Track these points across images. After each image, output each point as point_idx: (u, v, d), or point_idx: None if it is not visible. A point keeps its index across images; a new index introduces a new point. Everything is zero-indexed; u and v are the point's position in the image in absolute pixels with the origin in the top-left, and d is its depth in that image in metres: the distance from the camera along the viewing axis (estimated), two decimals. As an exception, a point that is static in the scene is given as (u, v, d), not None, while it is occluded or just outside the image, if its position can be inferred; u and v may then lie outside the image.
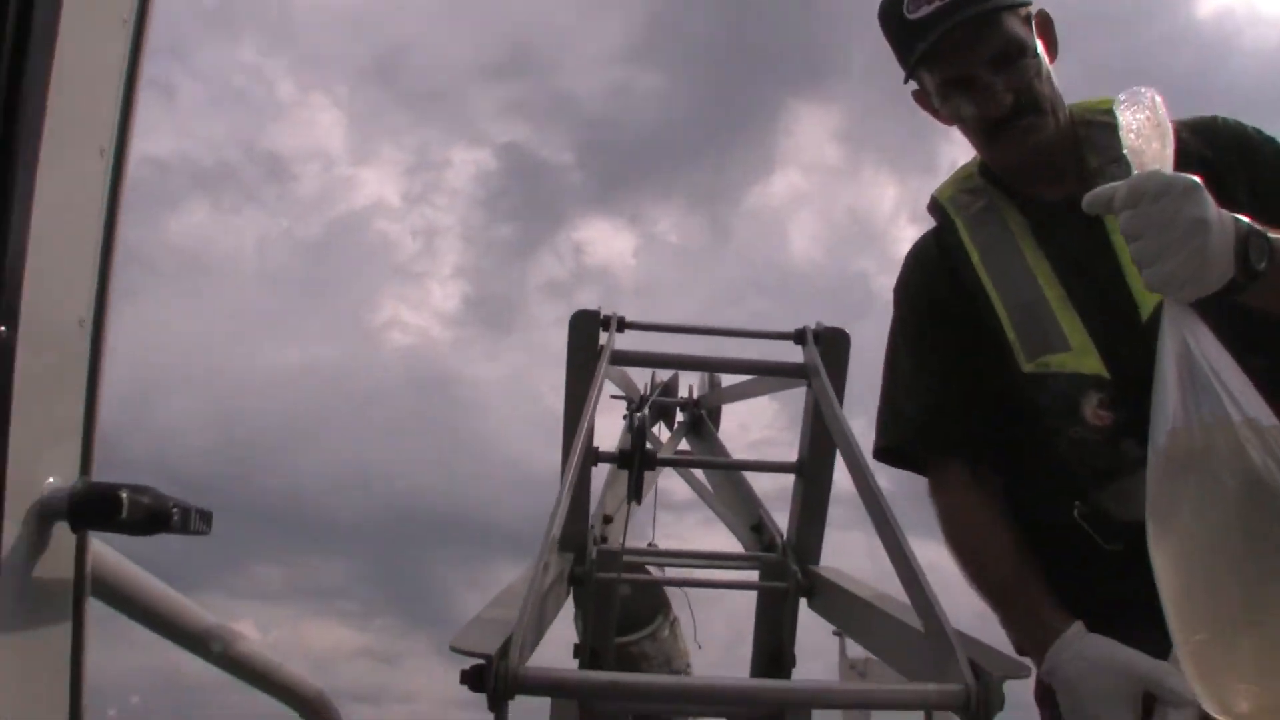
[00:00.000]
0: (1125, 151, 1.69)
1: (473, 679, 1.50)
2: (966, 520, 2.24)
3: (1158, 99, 1.69)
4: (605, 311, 2.80)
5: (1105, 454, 2.09)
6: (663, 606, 3.74)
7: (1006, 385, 2.19)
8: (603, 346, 2.72)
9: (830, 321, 2.76)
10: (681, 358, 3.22)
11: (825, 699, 2.13)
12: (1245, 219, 1.63)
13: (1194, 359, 1.55)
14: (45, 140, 1.24)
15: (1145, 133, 1.68)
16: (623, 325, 2.82)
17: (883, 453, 2.37)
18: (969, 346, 2.27)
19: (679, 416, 4.78)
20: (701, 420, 4.60)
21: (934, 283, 2.37)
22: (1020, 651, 2.08)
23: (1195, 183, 1.60)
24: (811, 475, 2.90)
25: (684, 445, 4.51)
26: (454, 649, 1.53)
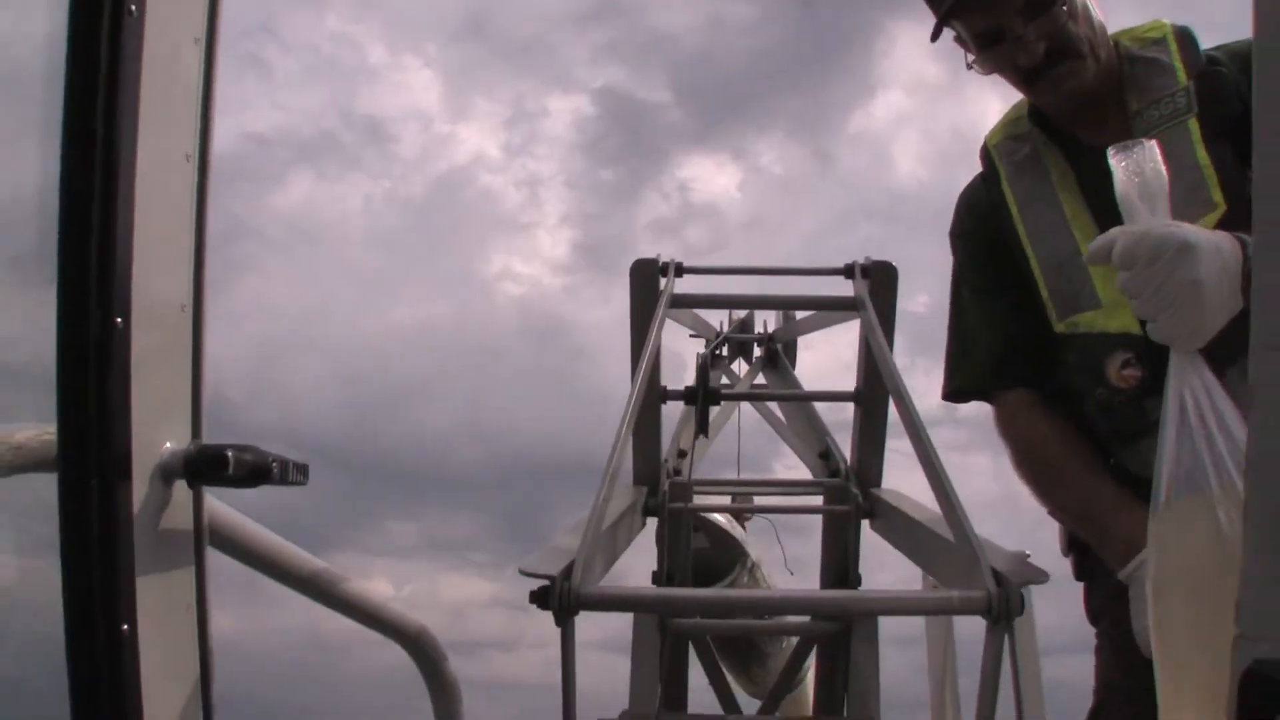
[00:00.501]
0: (1119, 202, 1.70)
1: (539, 598, 1.68)
2: (1043, 441, 2.31)
3: (1155, 149, 1.69)
4: (664, 259, 2.95)
5: (1129, 414, 2.14)
6: (740, 556, 3.91)
7: (1046, 342, 2.27)
8: (661, 291, 2.87)
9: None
10: (734, 298, 3.37)
11: (858, 605, 2.31)
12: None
13: (1188, 424, 1.58)
14: (140, 153, 1.43)
15: (1139, 186, 1.68)
16: (680, 270, 2.97)
17: (953, 395, 2.50)
18: (1026, 288, 2.32)
19: (756, 352, 4.90)
20: (776, 355, 4.72)
21: (987, 228, 2.41)
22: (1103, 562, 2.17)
23: (1188, 242, 1.60)
24: (868, 403, 3.03)
25: (760, 379, 4.64)
26: (522, 572, 1.71)
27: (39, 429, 1.40)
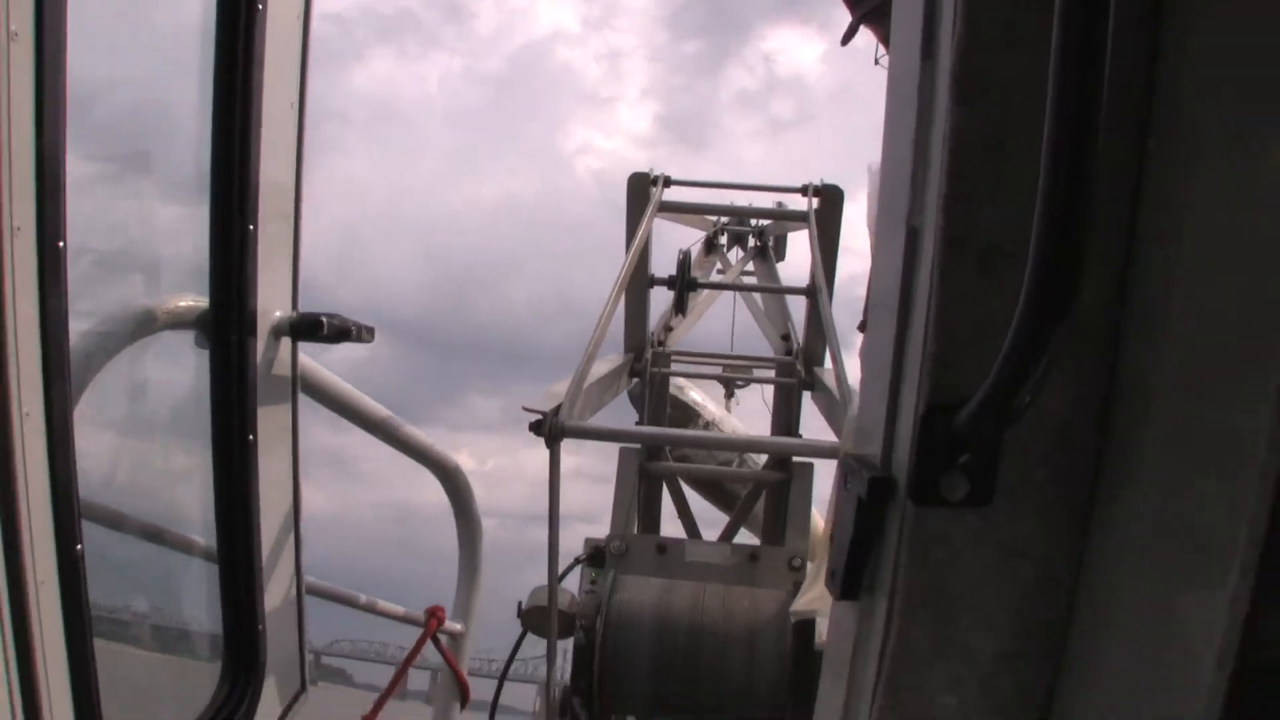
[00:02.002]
0: None
1: (536, 427, 2.28)
2: None
3: None
4: (655, 172, 3.51)
5: None
6: (694, 418, 4.51)
7: None
8: (651, 199, 3.44)
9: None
10: (705, 206, 3.95)
11: (779, 447, 2.91)
12: None
13: None
14: (264, 106, 1.98)
15: None
16: (668, 182, 3.53)
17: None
18: None
19: (751, 243, 5.47)
20: (765, 249, 5.27)
21: None
22: None
23: None
24: (815, 298, 3.61)
25: (750, 268, 5.21)
26: (524, 408, 2.31)
27: (191, 299, 1.98)
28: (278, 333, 2.08)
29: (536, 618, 2.97)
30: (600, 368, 2.94)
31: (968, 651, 0.98)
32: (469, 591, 3.77)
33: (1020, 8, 0.85)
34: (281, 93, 2.08)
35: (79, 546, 1.39)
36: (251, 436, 2.00)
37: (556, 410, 2.31)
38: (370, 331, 2.23)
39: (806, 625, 2.72)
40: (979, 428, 0.85)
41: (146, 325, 1.85)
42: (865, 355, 1.05)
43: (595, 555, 3.21)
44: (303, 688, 2.38)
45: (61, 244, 1.30)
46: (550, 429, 2.29)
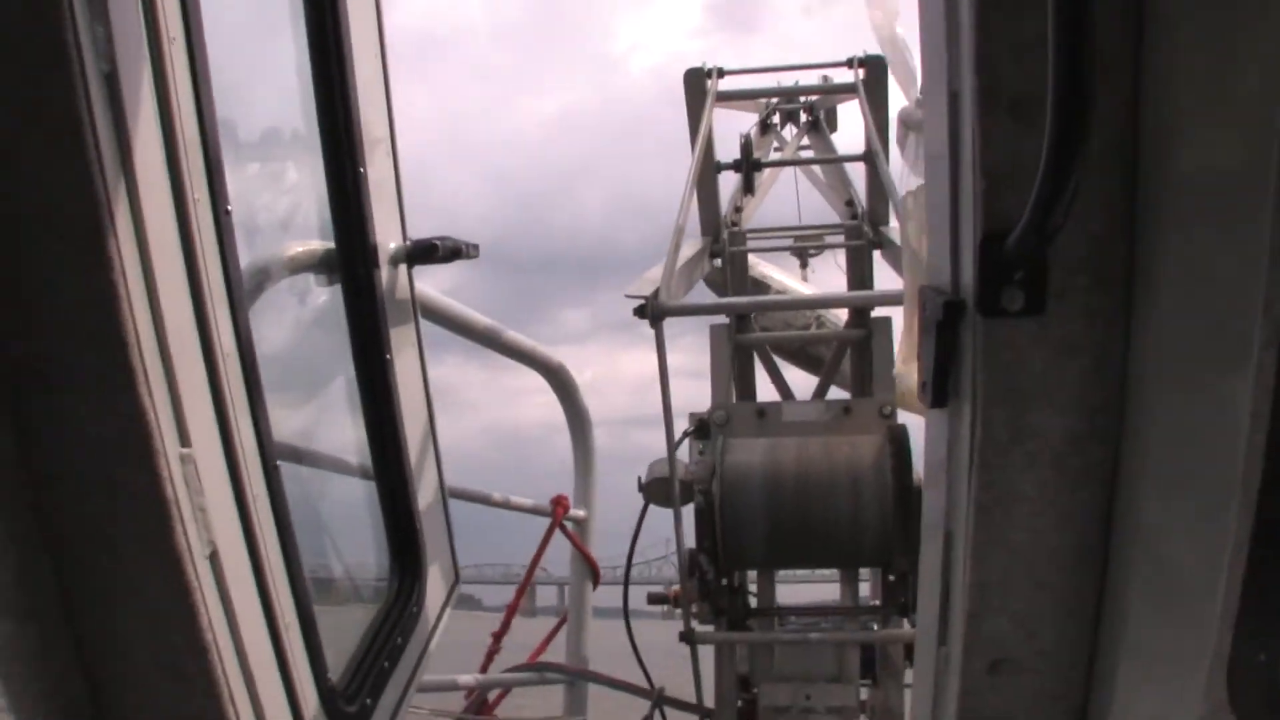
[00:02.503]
0: None
1: (640, 311, 2.49)
2: None
3: None
4: (709, 66, 3.67)
5: None
6: (770, 292, 4.69)
7: None
8: (708, 92, 3.60)
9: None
10: (758, 90, 4.10)
11: (862, 300, 3.09)
12: None
13: None
14: (354, 59, 2.16)
15: None
16: (722, 73, 3.69)
17: None
18: None
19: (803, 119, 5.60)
20: (817, 122, 5.39)
21: None
22: None
23: None
24: (873, 162, 3.75)
25: (806, 142, 5.35)
26: (626, 295, 2.52)
27: (314, 243, 2.18)
28: (395, 260, 2.29)
29: (656, 489, 3.20)
30: (685, 252, 3.15)
31: (1040, 434, 1.17)
32: (586, 479, 4.04)
33: None
34: (366, 47, 2.26)
35: (276, 464, 1.62)
36: (389, 355, 2.22)
37: (655, 294, 2.51)
38: (476, 248, 2.44)
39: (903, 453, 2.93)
40: (1026, 247, 1.03)
41: (285, 269, 2.06)
42: (927, 203, 1.22)
43: (701, 427, 3.42)
44: (457, 579, 2.64)
45: (229, 209, 1.51)
46: (652, 310, 2.51)
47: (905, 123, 2.54)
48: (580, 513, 3.94)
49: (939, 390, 1.21)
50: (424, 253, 2.31)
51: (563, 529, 3.78)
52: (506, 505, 3.56)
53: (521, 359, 3.71)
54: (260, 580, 1.48)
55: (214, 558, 1.33)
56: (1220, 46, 1.01)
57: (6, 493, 1.22)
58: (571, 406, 3.96)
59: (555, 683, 3.75)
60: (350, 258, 2.14)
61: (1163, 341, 1.13)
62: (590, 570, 3.91)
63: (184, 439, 1.30)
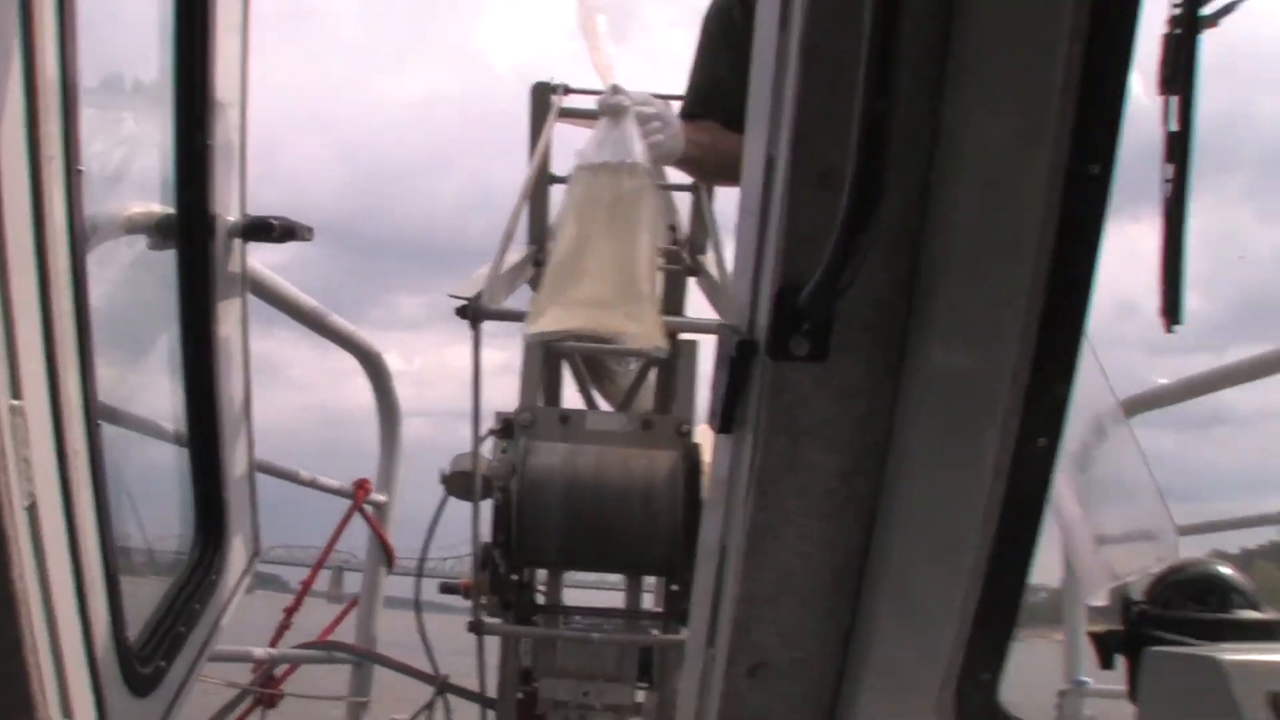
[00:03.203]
0: None
1: (461, 311, 2.57)
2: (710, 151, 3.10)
3: None
4: (556, 81, 3.77)
5: None
6: None
7: None
8: (552, 106, 3.70)
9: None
10: (598, 112, 4.22)
11: (670, 326, 3.26)
12: None
13: None
14: (216, 30, 2.19)
15: None
16: (568, 90, 3.78)
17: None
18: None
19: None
20: (652, 145, 5.54)
21: None
22: None
23: None
24: (697, 192, 3.92)
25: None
26: (450, 295, 2.60)
27: (155, 207, 2.20)
28: (231, 234, 2.32)
29: (457, 482, 3.27)
30: (511, 258, 3.23)
31: (812, 467, 1.31)
32: (390, 465, 4.10)
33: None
34: (227, 18, 2.29)
35: (99, 423, 1.65)
36: (213, 327, 2.26)
37: (478, 296, 2.60)
38: (310, 231, 2.49)
39: (695, 470, 3.09)
40: (816, 303, 1.16)
41: (122, 229, 2.08)
42: (736, 252, 1.35)
43: (506, 427, 3.51)
44: (257, 551, 2.67)
45: (80, 169, 1.54)
46: (473, 312, 2.59)
47: (602, 108, 2.78)
48: (381, 497, 4.00)
49: (726, 418, 1.33)
50: (260, 229, 2.34)
51: (361, 512, 3.82)
52: (313, 484, 3.59)
53: (341, 343, 3.75)
54: (73, 535, 1.51)
55: (32, 509, 1.37)
56: (989, 163, 1.18)
57: None
58: (383, 394, 4.03)
59: (343, 662, 3.79)
60: (188, 225, 2.16)
61: (925, 394, 1.29)
62: (385, 555, 3.97)
63: (15, 391, 1.33)
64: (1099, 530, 1.81)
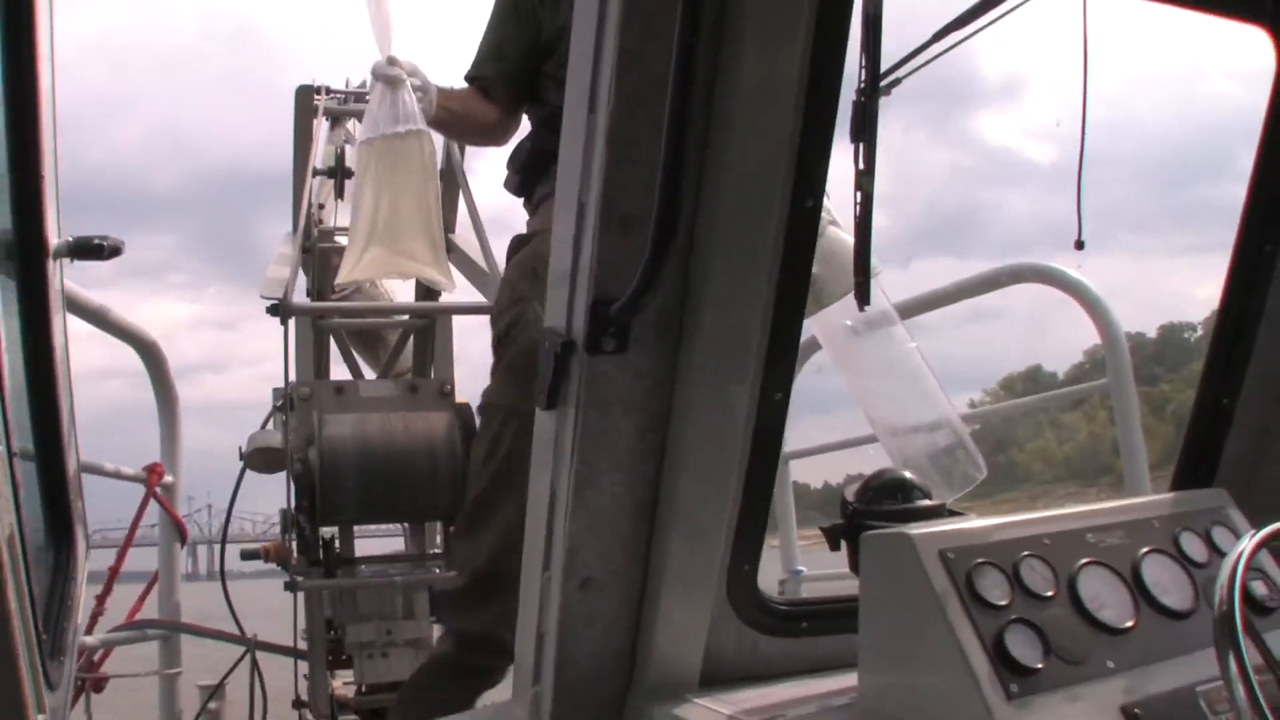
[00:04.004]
0: None
1: (273, 310, 2.88)
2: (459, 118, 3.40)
3: None
4: (318, 83, 4.06)
5: None
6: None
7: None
8: (316, 105, 3.98)
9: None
10: (357, 111, 4.53)
11: (434, 310, 3.64)
12: None
13: None
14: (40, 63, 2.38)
15: None
16: (329, 92, 4.08)
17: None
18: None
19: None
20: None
21: None
22: None
23: None
24: (451, 178, 4.28)
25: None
26: (262, 296, 2.90)
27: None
28: (59, 255, 2.53)
29: (256, 458, 3.56)
30: (285, 250, 3.54)
31: (618, 430, 1.75)
32: (173, 447, 4.30)
33: (650, 88, 1.55)
34: (44, 48, 2.45)
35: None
36: (53, 344, 2.47)
37: (286, 294, 2.93)
38: (123, 244, 2.71)
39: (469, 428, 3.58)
40: (623, 313, 1.60)
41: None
42: (551, 271, 1.77)
43: (287, 401, 3.80)
44: (87, 546, 2.88)
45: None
46: (283, 310, 2.93)
47: (376, 75, 3.09)
48: (169, 479, 4.20)
49: (551, 398, 1.75)
50: (88, 249, 2.54)
51: (155, 495, 4.03)
52: (116, 475, 3.77)
53: (121, 335, 3.91)
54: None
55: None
56: (739, 197, 1.65)
57: None
58: (160, 381, 4.22)
59: (155, 639, 3.99)
60: (23, 248, 2.33)
61: (695, 370, 1.75)
62: (179, 531, 4.18)
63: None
64: (899, 423, 2.35)
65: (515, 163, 3.38)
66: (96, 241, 2.57)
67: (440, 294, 4.16)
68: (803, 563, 5.13)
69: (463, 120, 3.42)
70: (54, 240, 2.53)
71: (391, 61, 3.08)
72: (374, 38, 3.14)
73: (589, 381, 1.70)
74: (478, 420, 3.30)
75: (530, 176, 3.35)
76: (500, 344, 3.19)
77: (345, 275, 3.03)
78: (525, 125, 3.50)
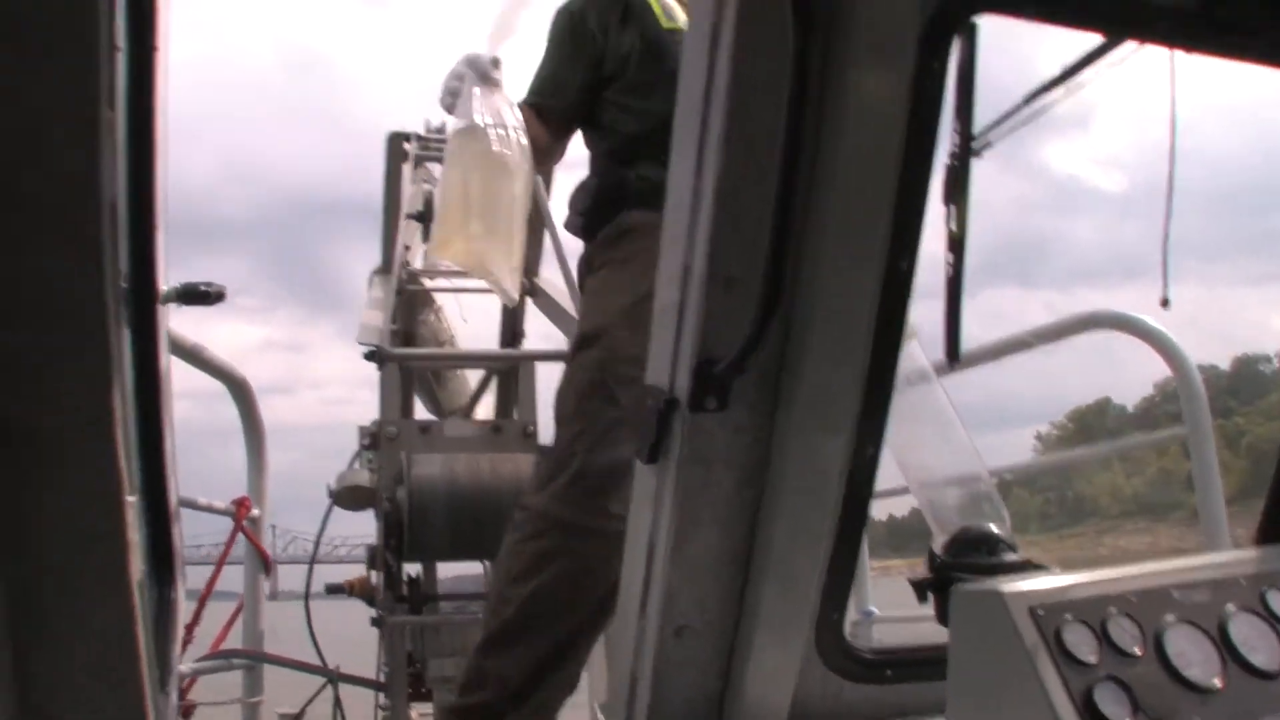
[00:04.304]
0: None
1: (369, 357, 2.97)
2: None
3: None
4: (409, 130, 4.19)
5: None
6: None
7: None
8: (408, 150, 4.11)
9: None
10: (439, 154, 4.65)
11: (519, 356, 3.70)
12: None
13: None
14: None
15: None
16: (420, 138, 4.20)
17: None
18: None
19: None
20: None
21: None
22: None
23: None
24: (539, 218, 4.38)
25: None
26: (360, 342, 2.99)
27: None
28: (167, 300, 2.63)
29: (345, 495, 3.65)
30: (377, 294, 3.66)
31: (717, 483, 1.81)
32: (260, 481, 4.41)
33: (756, 153, 1.62)
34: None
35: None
36: (163, 388, 2.56)
37: (381, 341, 3.03)
38: (225, 290, 2.81)
39: None
40: (727, 373, 1.66)
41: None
42: (654, 329, 1.82)
43: (373, 440, 3.90)
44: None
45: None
46: (380, 356, 3.02)
47: (474, 68, 3.02)
48: (256, 512, 4.31)
49: (653, 453, 1.81)
50: (195, 295, 2.64)
51: (243, 530, 4.14)
52: (209, 509, 3.89)
53: (213, 372, 4.03)
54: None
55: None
56: (837, 262, 1.70)
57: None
58: (249, 417, 4.33)
59: (240, 668, 4.09)
60: (139, 295, 2.44)
61: (792, 423, 1.80)
62: (264, 563, 4.29)
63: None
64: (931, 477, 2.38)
65: (581, 201, 3.16)
66: (203, 288, 2.66)
67: (523, 339, 4.24)
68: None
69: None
70: (163, 286, 2.63)
71: (496, 64, 3.06)
72: (491, 30, 3.12)
73: (690, 438, 1.76)
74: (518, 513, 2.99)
75: (597, 216, 3.12)
76: (565, 455, 2.85)
77: (432, 251, 3.02)
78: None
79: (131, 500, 1.63)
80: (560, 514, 2.75)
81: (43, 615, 1.54)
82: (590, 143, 3.27)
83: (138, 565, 1.63)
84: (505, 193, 2.91)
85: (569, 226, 3.23)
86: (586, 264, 3.12)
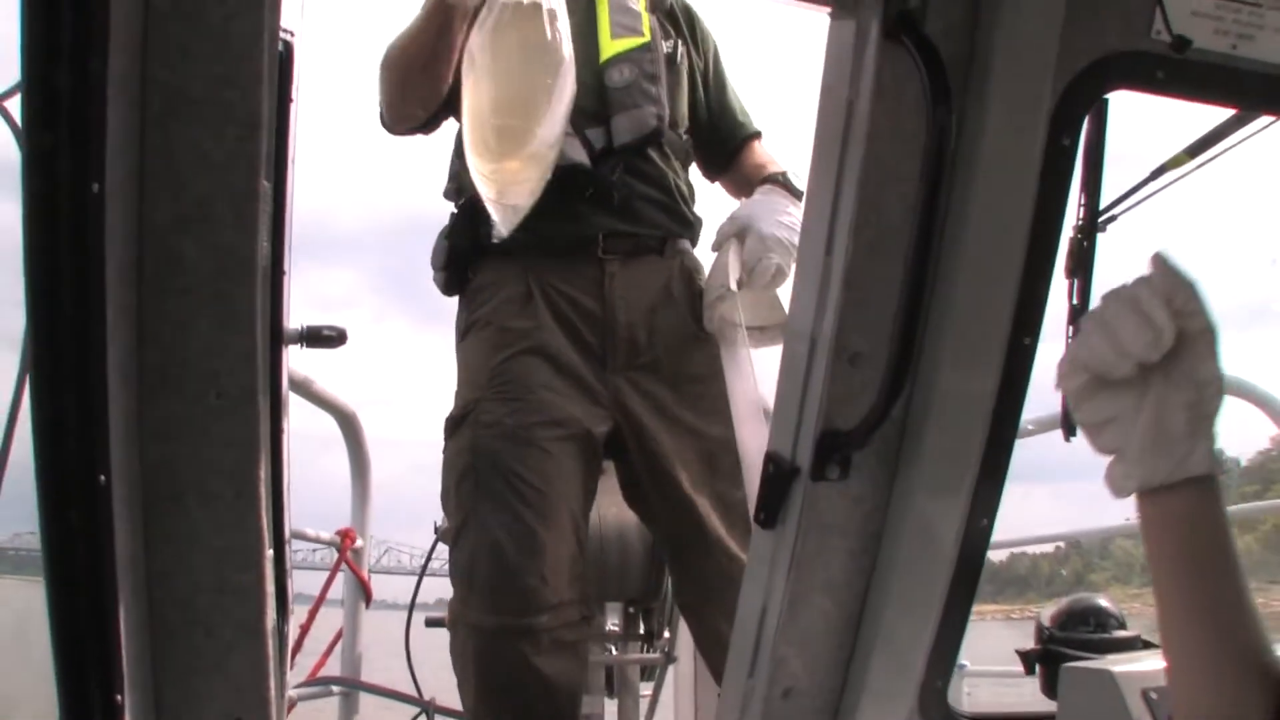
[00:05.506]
0: None
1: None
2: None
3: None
4: None
5: None
6: None
7: None
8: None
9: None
10: None
11: None
12: None
13: None
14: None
15: None
16: None
17: None
18: None
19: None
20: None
21: None
22: None
23: None
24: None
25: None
26: None
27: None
28: (291, 341, 2.70)
29: (451, 535, 3.70)
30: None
31: (833, 551, 1.82)
32: (364, 513, 4.49)
33: (886, 235, 1.64)
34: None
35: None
36: (283, 424, 2.64)
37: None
38: (346, 332, 2.88)
39: None
40: (851, 443, 1.68)
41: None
42: (776, 402, 1.85)
43: None
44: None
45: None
46: None
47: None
48: (359, 543, 4.39)
49: (770, 518, 1.83)
50: (319, 337, 2.72)
51: (348, 562, 4.22)
52: (316, 540, 3.97)
53: (323, 405, 4.12)
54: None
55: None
56: (959, 337, 1.71)
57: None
58: (356, 449, 4.41)
59: (338, 695, 4.16)
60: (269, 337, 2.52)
61: (910, 494, 1.81)
62: (365, 594, 4.36)
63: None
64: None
65: (438, 258, 2.81)
66: (326, 332, 2.73)
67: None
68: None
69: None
70: (289, 327, 2.71)
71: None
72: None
73: (809, 506, 1.78)
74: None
75: (455, 272, 2.78)
76: (460, 555, 2.64)
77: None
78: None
79: (270, 554, 1.70)
80: (464, 617, 2.61)
81: (186, 659, 1.61)
82: (454, 199, 2.82)
83: (271, 614, 1.69)
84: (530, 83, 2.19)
85: (436, 283, 2.88)
86: (457, 327, 2.86)
